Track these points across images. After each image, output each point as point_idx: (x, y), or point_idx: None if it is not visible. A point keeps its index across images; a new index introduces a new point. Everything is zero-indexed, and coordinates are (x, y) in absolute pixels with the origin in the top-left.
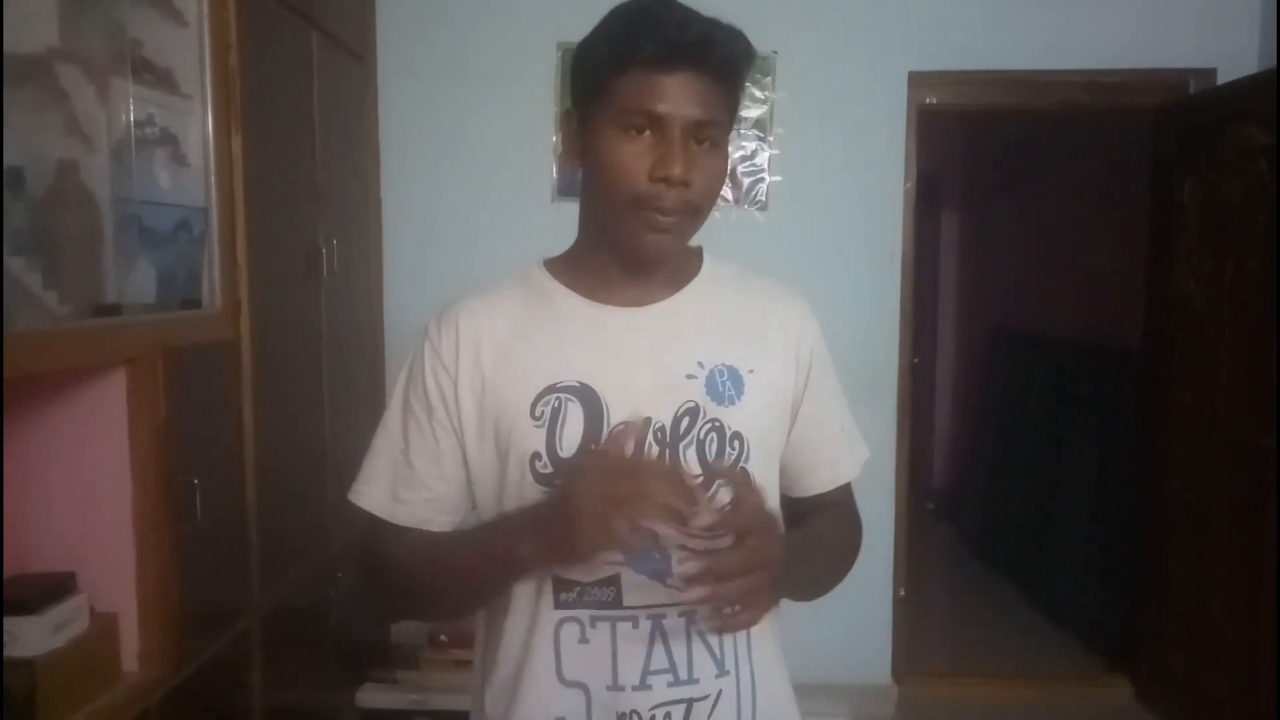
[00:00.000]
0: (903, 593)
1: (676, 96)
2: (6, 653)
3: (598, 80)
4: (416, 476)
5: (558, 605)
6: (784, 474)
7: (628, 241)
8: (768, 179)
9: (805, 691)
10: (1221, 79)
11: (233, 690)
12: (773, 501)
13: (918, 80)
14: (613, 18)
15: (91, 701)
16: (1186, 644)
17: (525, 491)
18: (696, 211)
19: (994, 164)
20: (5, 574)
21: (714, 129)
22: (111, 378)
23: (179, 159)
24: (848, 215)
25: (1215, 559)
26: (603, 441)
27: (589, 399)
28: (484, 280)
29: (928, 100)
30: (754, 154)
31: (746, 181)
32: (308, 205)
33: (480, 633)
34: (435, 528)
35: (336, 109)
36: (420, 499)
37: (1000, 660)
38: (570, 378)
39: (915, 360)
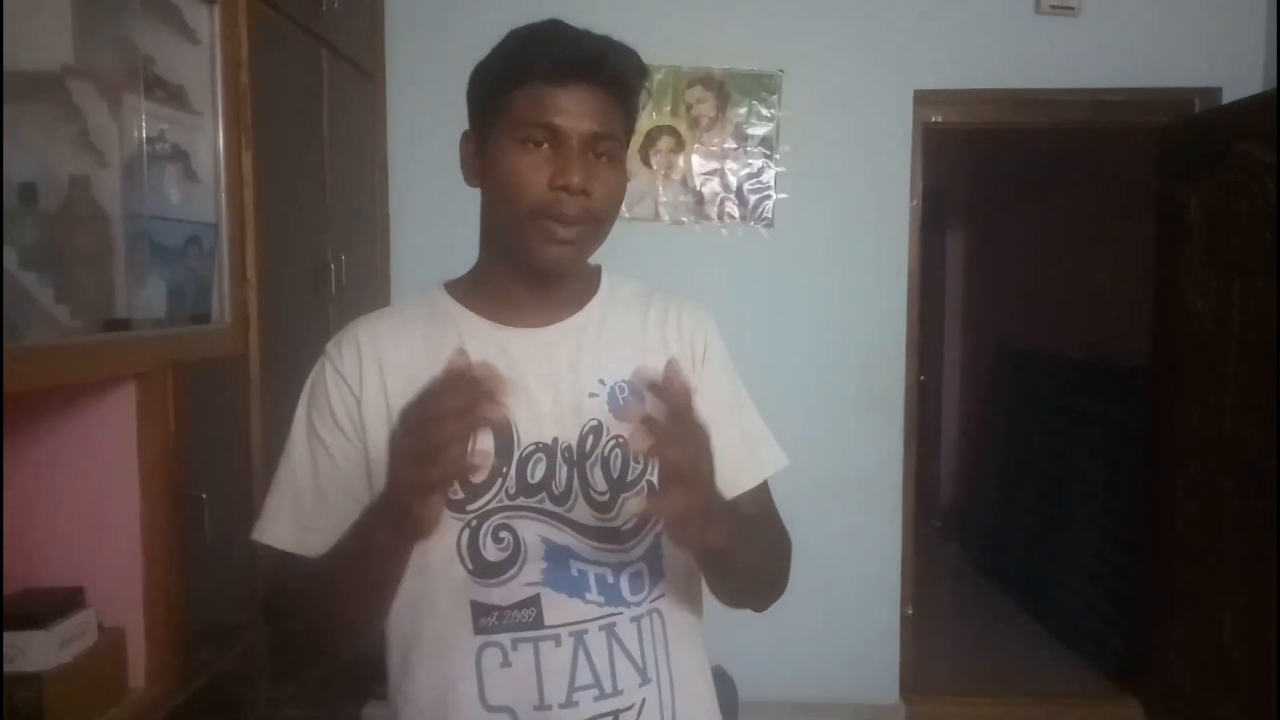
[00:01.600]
0: (910, 611)
1: (573, 110)
2: (15, 667)
3: (495, 98)
4: (328, 501)
5: (478, 631)
6: None
7: (530, 254)
8: (774, 196)
9: (813, 710)
10: (1227, 98)
11: (238, 706)
12: None
13: (924, 98)
14: (508, 39)
15: (98, 716)
16: (1196, 663)
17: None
18: (598, 222)
19: (1000, 182)
20: (15, 589)
21: (610, 143)
22: (121, 392)
23: (190, 175)
24: (854, 232)
25: (1224, 577)
26: (513, 464)
27: (497, 423)
28: None
29: (934, 118)
30: (760, 171)
31: (753, 199)
32: (316, 221)
33: (390, 666)
34: None
35: (345, 126)
36: (333, 525)
37: (1008, 679)
38: None
39: (922, 377)
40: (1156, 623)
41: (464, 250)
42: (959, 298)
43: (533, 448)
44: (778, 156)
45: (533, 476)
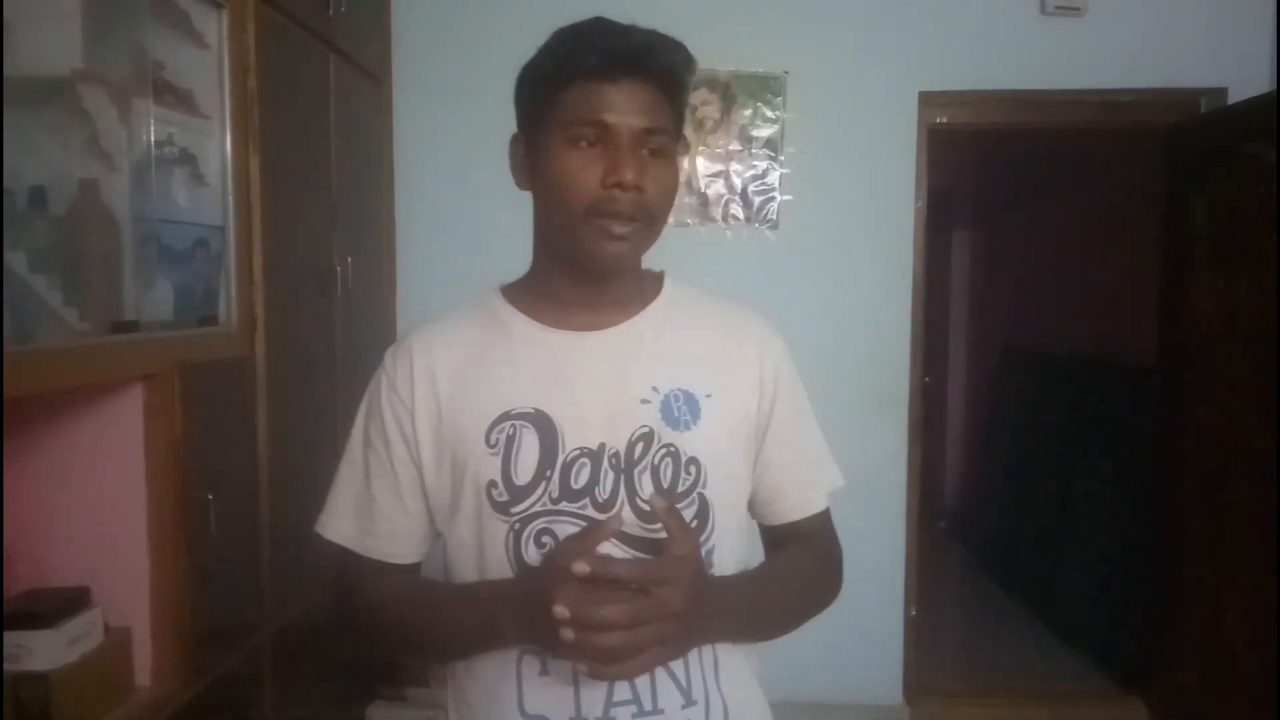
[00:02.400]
0: (914, 612)
1: (622, 105)
2: (22, 667)
3: (543, 98)
4: (379, 509)
5: None
6: (754, 501)
7: (585, 253)
8: (779, 198)
9: (816, 712)
10: (1233, 98)
11: (244, 706)
12: (734, 527)
13: (929, 99)
14: (555, 38)
15: (104, 716)
16: (1201, 664)
17: (483, 520)
18: (652, 219)
19: (1005, 183)
20: (22, 588)
21: (661, 137)
22: (129, 394)
23: (198, 178)
24: (859, 234)
25: (1230, 578)
26: (556, 469)
27: (543, 425)
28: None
29: (939, 119)
30: (765, 173)
31: (758, 200)
32: (323, 224)
33: (449, 666)
34: (403, 560)
35: (352, 129)
36: (385, 532)
37: (1013, 681)
38: (524, 404)
39: (927, 379)
40: (1163, 624)
41: (470, 252)
42: (965, 299)
43: (577, 452)
44: (782, 158)
45: (576, 482)
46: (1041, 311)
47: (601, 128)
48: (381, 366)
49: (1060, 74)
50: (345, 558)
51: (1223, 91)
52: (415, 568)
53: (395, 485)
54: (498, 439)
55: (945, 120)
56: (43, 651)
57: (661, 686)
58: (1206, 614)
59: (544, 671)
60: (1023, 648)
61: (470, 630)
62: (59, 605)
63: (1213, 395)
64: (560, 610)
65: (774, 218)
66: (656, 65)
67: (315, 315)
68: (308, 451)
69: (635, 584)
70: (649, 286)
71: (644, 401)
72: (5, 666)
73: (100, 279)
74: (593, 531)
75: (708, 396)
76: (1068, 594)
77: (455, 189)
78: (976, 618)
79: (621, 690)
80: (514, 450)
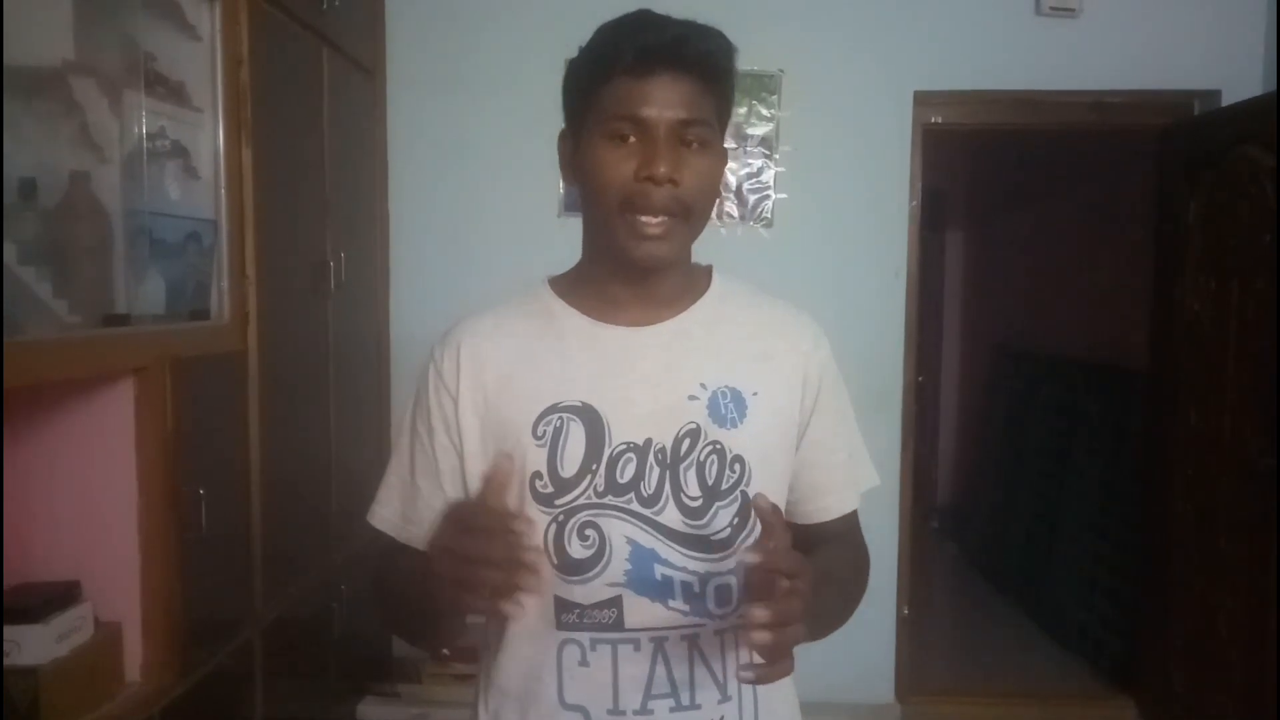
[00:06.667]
0: (906, 611)
1: (658, 99)
2: (11, 661)
3: (584, 95)
4: (421, 497)
5: (559, 626)
6: (789, 498)
7: (621, 250)
8: (773, 196)
9: (808, 711)
10: (1226, 101)
11: (234, 702)
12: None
13: (923, 99)
14: (596, 34)
15: (94, 711)
16: (1191, 663)
17: (526, 511)
18: (688, 211)
19: (999, 183)
20: (11, 582)
21: (700, 128)
22: (119, 387)
23: (190, 171)
24: (853, 233)
25: (1220, 578)
26: (603, 462)
27: (590, 419)
28: (490, 294)
29: (933, 119)
30: (760, 171)
31: (752, 199)
32: (316, 218)
33: (483, 651)
34: None
35: (345, 122)
36: (426, 520)
37: (1004, 680)
38: (572, 397)
39: (920, 378)
40: (1153, 623)
41: (463, 246)
42: (958, 298)
43: (624, 447)
44: (777, 156)
45: (622, 476)
46: (1034, 311)
47: (638, 122)
48: (430, 355)
49: (1054, 75)
50: (389, 548)
51: (1216, 94)
52: None
53: (437, 472)
54: (544, 431)
55: (940, 120)
56: (32, 646)
57: (699, 680)
58: (1197, 613)
59: (583, 661)
60: (1014, 647)
61: (415, 596)
62: (49, 600)
63: (1203, 396)
64: (760, 614)
65: (769, 216)
66: (693, 56)
67: (308, 310)
68: (299, 446)
69: (784, 574)
70: (698, 281)
71: (692, 398)
72: None
73: (91, 271)
74: (499, 472)
75: (754, 395)
76: (1059, 593)
77: (448, 182)
78: (968, 617)
79: (660, 683)
80: (561, 442)
